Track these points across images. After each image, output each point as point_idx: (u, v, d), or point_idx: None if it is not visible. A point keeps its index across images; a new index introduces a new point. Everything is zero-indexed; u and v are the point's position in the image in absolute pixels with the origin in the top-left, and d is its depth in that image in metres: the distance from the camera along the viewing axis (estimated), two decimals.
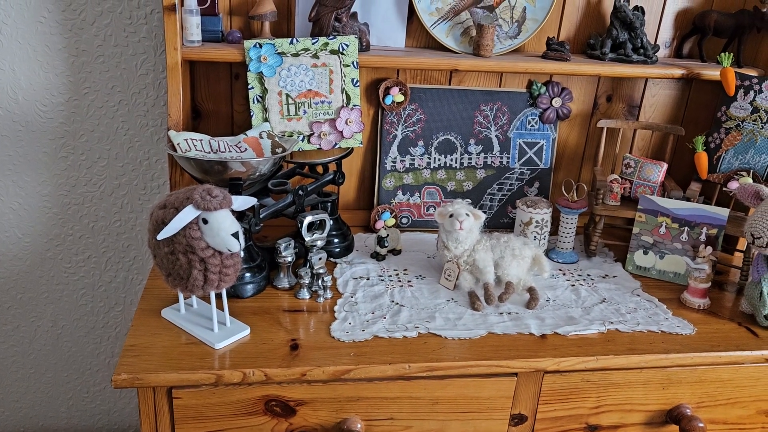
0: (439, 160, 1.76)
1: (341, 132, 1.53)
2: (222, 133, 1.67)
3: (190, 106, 1.59)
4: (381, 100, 1.67)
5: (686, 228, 1.56)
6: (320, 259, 1.44)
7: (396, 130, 1.72)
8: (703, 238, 1.55)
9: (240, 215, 1.36)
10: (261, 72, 1.46)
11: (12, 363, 1.89)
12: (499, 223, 1.83)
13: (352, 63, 1.50)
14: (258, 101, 1.48)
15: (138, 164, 1.74)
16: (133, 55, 1.64)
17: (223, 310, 1.26)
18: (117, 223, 1.79)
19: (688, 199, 1.60)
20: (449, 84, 1.72)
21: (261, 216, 1.38)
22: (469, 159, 1.78)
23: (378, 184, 1.76)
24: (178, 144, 1.32)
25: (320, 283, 1.42)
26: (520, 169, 1.80)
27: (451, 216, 1.47)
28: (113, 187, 1.76)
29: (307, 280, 1.41)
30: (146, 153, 1.73)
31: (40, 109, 1.64)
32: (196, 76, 1.61)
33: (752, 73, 1.67)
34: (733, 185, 1.60)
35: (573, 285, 1.55)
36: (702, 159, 1.65)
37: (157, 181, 1.77)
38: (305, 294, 1.42)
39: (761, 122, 1.58)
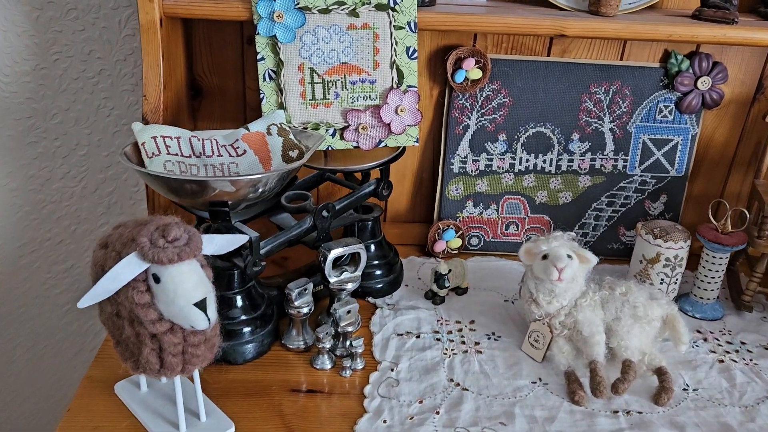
0: (528, 161, 1.27)
1: (388, 125, 1.06)
2: (230, 118, 1.24)
3: (185, 81, 1.16)
4: (449, 76, 1.18)
5: None
6: (349, 312, 1.00)
7: (468, 118, 1.23)
8: None
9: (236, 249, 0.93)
10: (275, 36, 1.00)
11: None
12: (606, 249, 1.32)
13: (409, 24, 1.02)
14: (270, 78, 1.03)
15: None
16: (114, 8, 1.21)
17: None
18: (104, 226, 1.41)
19: None
20: (548, 55, 1.21)
21: (263, 252, 0.94)
22: (570, 161, 1.27)
23: (441, 191, 1.28)
24: (143, 144, 0.90)
25: (347, 347, 0.98)
26: (641, 176, 1.28)
27: (545, 258, 0.99)
28: (97, 182, 1.36)
29: (328, 345, 0.97)
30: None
31: (1, 80, 1.25)
32: (195, 40, 1.17)
33: None
34: None
35: (721, 361, 1.05)
36: None
37: None
38: (325, 362, 0.98)
39: None
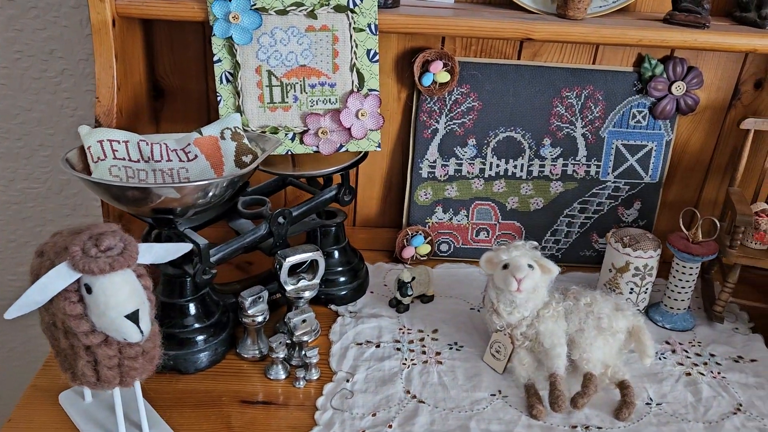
0: (498, 166, 1.24)
1: (349, 129, 1.03)
2: (194, 120, 1.21)
3: (146, 82, 1.14)
4: (417, 79, 1.16)
5: None
6: (304, 321, 0.97)
7: (437, 122, 1.21)
8: None
9: (186, 256, 0.91)
10: (231, 38, 0.97)
11: None
12: (579, 256, 1.30)
13: (369, 26, 0.99)
14: (228, 81, 1.00)
15: None
16: (75, 7, 1.19)
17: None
18: None
19: None
20: (518, 58, 1.19)
21: (214, 259, 0.92)
22: (542, 166, 1.24)
23: (409, 196, 1.26)
24: (88, 148, 0.87)
25: (303, 357, 0.96)
26: (614, 182, 1.26)
27: (505, 267, 0.96)
28: (61, 183, 1.34)
29: (281, 354, 0.95)
30: None
31: None
32: (155, 41, 1.15)
33: None
34: None
35: (689, 374, 1.02)
36: None
37: None
38: (279, 373, 0.96)
39: None
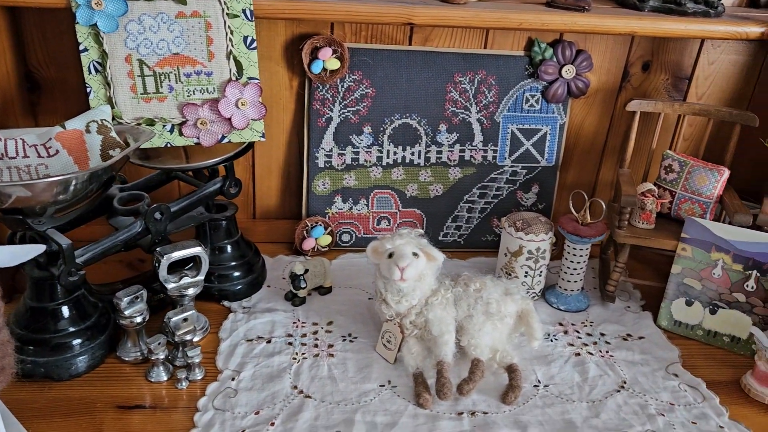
0: (396, 153, 1.23)
1: (229, 119, 1.00)
2: (75, 112, 1.14)
3: (16, 74, 1.07)
4: (306, 67, 1.13)
5: (755, 272, 1.03)
6: (186, 320, 0.94)
7: (331, 110, 1.18)
8: None
9: (52, 257, 0.87)
10: (96, 25, 0.92)
11: None
12: (480, 241, 1.30)
13: (244, 12, 0.96)
14: (96, 71, 0.95)
15: None
16: None
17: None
18: None
19: (759, 227, 1.06)
20: (409, 44, 1.17)
21: (82, 259, 0.87)
22: (439, 152, 1.24)
23: (307, 187, 1.23)
24: None
25: (183, 358, 0.93)
26: (512, 166, 1.26)
27: (390, 256, 0.95)
28: None
29: (162, 356, 0.91)
30: None
31: None
32: (25, 29, 1.08)
33: None
34: None
35: (578, 354, 1.04)
36: None
37: None
38: (161, 374, 0.92)
39: None
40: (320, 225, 1.23)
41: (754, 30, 1.09)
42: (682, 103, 1.18)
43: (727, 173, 1.11)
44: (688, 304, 1.09)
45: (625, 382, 0.98)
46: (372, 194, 1.25)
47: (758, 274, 1.03)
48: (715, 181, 1.11)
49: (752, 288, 1.04)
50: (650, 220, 1.13)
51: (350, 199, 1.25)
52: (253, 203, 1.28)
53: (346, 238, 1.27)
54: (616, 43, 1.21)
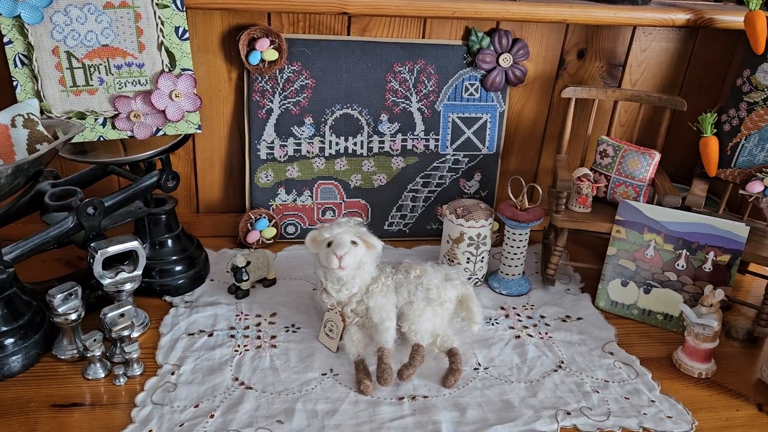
0: (338, 144, 1.23)
1: (163, 111, 0.99)
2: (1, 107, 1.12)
3: None
4: (244, 58, 1.12)
5: (685, 251, 1.07)
6: (122, 316, 0.93)
7: (271, 102, 1.18)
8: (709, 266, 1.06)
9: None
10: (20, 16, 0.90)
11: None
12: (425, 230, 1.32)
13: (174, 2, 0.95)
14: (23, 64, 0.93)
15: None
16: None
17: None
18: None
19: (688, 208, 1.09)
20: (348, 34, 1.17)
21: (10, 257, 0.85)
22: (381, 142, 1.25)
23: (250, 179, 1.23)
24: None
25: (121, 354, 0.92)
26: (454, 155, 1.28)
27: (329, 245, 0.95)
28: None
29: (98, 352, 0.90)
30: None
31: None
32: None
33: None
34: (755, 187, 1.09)
35: (518, 336, 1.06)
36: (711, 147, 1.13)
37: None
38: (98, 372, 0.91)
39: None
40: (264, 217, 1.23)
41: (680, 17, 1.13)
42: (615, 89, 1.22)
43: (657, 156, 1.15)
44: (624, 284, 1.12)
45: (562, 362, 1.01)
46: (316, 185, 1.25)
47: (688, 253, 1.07)
48: (647, 164, 1.14)
49: (683, 267, 1.08)
50: (587, 204, 1.15)
51: (294, 190, 1.25)
52: (196, 197, 1.27)
53: (291, 229, 1.27)
54: (552, 31, 1.23)
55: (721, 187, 1.20)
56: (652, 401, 0.94)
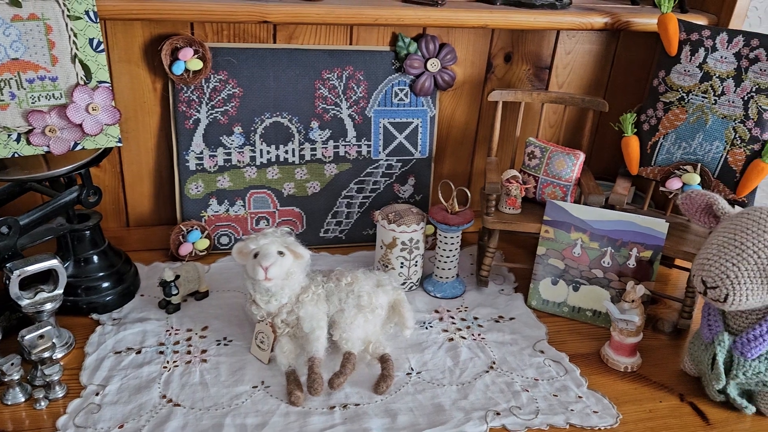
0: (269, 152, 1.22)
1: (80, 125, 0.96)
2: None
3: None
4: (167, 68, 1.10)
5: (609, 248, 1.10)
6: (42, 338, 0.90)
7: (198, 112, 1.16)
8: (632, 263, 1.09)
9: None
10: None
11: None
12: (361, 236, 1.32)
13: (87, 13, 0.92)
14: None
15: None
16: None
17: None
18: None
19: (612, 207, 1.12)
20: (274, 42, 1.17)
21: None
22: (313, 149, 1.24)
23: (180, 191, 1.21)
24: None
25: (42, 377, 0.89)
26: (387, 160, 1.28)
27: (256, 256, 0.94)
28: None
29: (16, 376, 0.87)
30: None
31: None
32: None
33: (702, 21, 1.19)
34: (674, 184, 1.13)
35: (452, 339, 1.07)
36: (631, 146, 1.17)
37: None
38: (18, 396, 0.88)
39: (713, 94, 1.10)
40: (196, 229, 1.21)
41: (598, 20, 1.16)
42: (541, 91, 1.24)
43: (582, 156, 1.17)
44: (554, 283, 1.14)
45: (494, 363, 1.02)
46: (248, 195, 1.24)
47: (612, 251, 1.10)
48: (572, 164, 1.17)
49: (608, 264, 1.10)
50: (516, 205, 1.17)
51: (226, 200, 1.23)
52: (125, 211, 1.24)
53: (224, 240, 1.25)
54: (478, 36, 1.25)
55: (646, 184, 1.23)
56: (580, 397, 0.96)
